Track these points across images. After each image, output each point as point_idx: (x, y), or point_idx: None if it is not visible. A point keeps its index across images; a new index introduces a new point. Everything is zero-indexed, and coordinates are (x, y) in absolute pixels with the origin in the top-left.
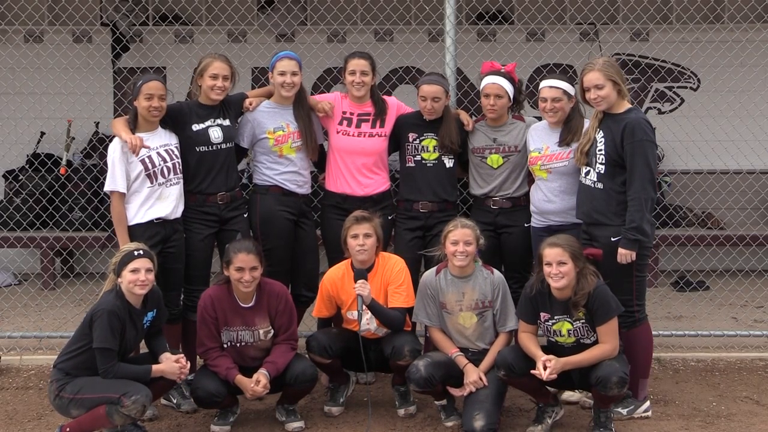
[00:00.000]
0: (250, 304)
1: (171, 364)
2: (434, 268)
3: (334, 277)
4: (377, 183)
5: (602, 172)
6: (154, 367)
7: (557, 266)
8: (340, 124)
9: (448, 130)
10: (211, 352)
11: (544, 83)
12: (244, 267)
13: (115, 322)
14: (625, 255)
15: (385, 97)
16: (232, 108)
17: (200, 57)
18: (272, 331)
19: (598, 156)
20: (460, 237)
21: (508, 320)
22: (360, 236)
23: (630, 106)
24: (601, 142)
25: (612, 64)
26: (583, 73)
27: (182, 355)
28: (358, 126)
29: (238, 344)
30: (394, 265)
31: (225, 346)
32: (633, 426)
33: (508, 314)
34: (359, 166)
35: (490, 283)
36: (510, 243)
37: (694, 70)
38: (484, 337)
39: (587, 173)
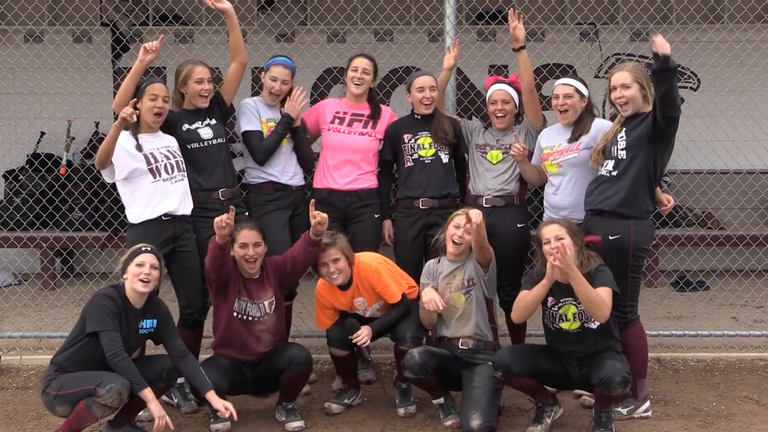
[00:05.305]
0: (255, 278)
1: (159, 410)
2: (438, 257)
3: (324, 292)
4: (363, 180)
5: (622, 157)
6: (149, 393)
7: (555, 241)
8: (332, 122)
9: (439, 123)
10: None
11: (557, 81)
12: (247, 243)
13: (110, 305)
14: (661, 44)
15: (381, 105)
16: (215, 108)
17: (179, 66)
18: (275, 302)
19: (619, 143)
20: (463, 223)
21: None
22: (329, 264)
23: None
24: (622, 139)
25: (642, 68)
26: (611, 73)
27: (167, 417)
28: (350, 125)
29: (245, 317)
30: (367, 270)
31: (234, 314)
32: (633, 426)
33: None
34: (346, 162)
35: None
36: (502, 242)
37: (694, 70)
38: (475, 320)
39: (605, 165)
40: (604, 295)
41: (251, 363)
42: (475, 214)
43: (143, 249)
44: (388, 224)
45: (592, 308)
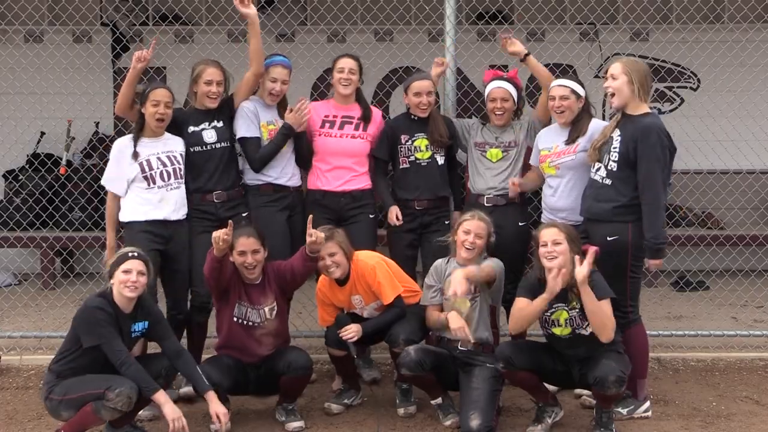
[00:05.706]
0: (256, 284)
1: (174, 412)
2: (447, 257)
3: (324, 288)
4: (357, 181)
5: (613, 169)
6: (162, 395)
7: (552, 245)
8: (322, 127)
9: (436, 126)
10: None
11: (554, 83)
12: (246, 250)
13: (101, 316)
14: (655, 265)
15: (371, 107)
16: (224, 110)
17: (194, 63)
18: (276, 307)
19: (611, 153)
20: (474, 228)
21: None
22: (326, 257)
23: (648, 110)
24: (617, 140)
25: (636, 63)
26: (606, 66)
27: (183, 419)
28: (341, 128)
29: (245, 322)
30: (364, 268)
31: (235, 319)
32: (633, 426)
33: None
34: (339, 165)
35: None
36: (503, 242)
37: (694, 70)
38: (477, 325)
39: (598, 169)
40: (607, 310)
41: (254, 364)
42: (478, 269)
43: (130, 255)
44: (395, 209)
45: (596, 326)
